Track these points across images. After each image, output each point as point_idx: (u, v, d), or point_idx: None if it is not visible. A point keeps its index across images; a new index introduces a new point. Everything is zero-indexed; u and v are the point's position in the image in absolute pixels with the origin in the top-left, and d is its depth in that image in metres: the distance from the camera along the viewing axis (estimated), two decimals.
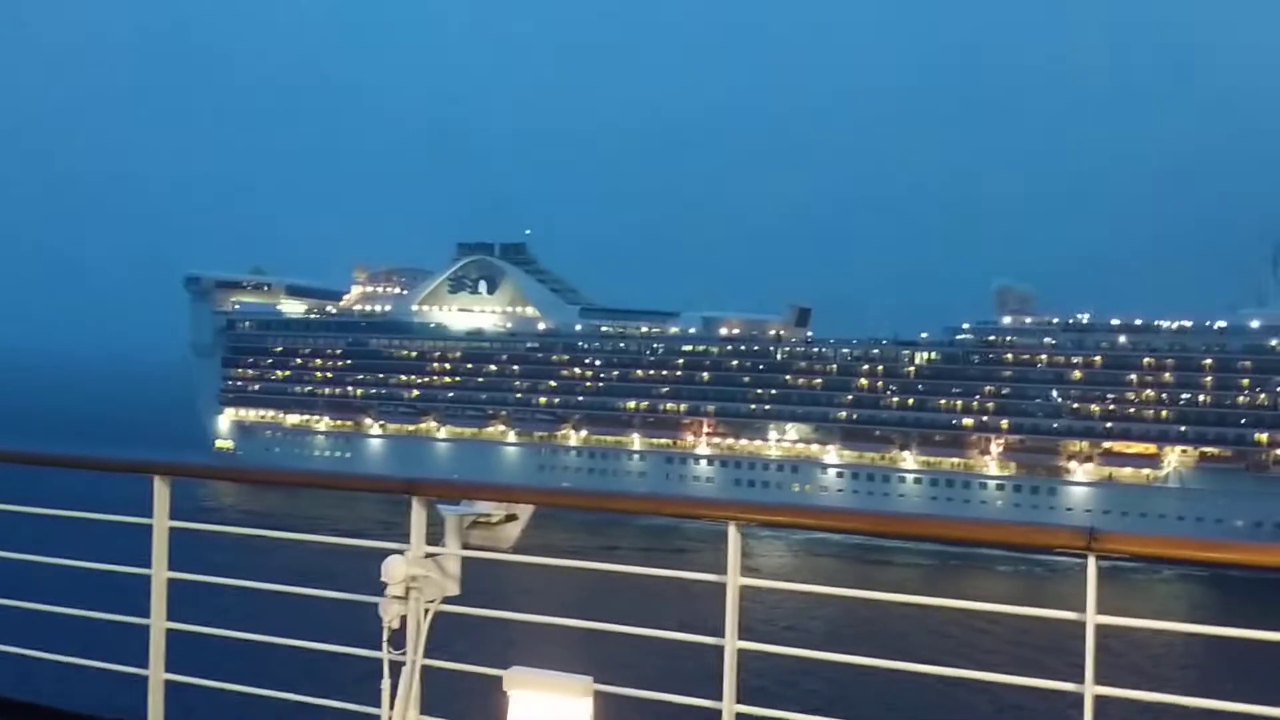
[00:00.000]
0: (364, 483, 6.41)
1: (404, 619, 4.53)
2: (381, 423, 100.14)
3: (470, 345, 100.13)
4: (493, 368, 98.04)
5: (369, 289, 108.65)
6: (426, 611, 4.56)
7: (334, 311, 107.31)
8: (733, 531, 4.12)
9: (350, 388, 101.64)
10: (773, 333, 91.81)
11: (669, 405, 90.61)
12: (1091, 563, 3.69)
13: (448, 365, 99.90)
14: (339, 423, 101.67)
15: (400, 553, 4.55)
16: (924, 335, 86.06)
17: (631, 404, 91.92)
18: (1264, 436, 72.40)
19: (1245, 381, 73.94)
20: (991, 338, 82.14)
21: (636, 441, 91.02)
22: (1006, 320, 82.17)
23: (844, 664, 4.36)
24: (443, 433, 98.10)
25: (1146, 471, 75.65)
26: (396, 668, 4.54)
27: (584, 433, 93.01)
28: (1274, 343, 73.76)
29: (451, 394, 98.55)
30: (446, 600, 4.60)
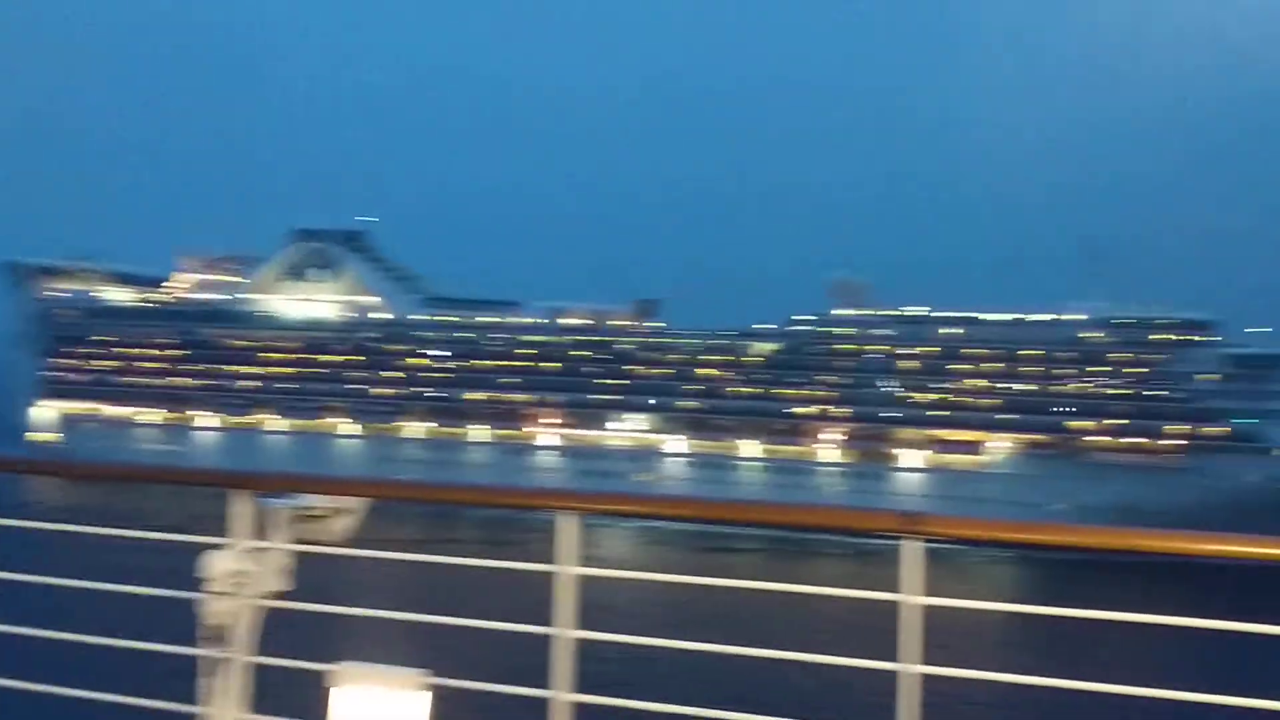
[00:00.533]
0: (188, 475, 6.23)
1: (228, 616, 4.43)
2: (213, 414, 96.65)
3: (307, 335, 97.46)
4: (330, 358, 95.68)
5: (200, 276, 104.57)
6: (252, 608, 4.46)
7: (162, 299, 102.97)
8: (570, 521, 4.15)
9: (179, 378, 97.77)
10: (617, 323, 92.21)
11: (513, 396, 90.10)
12: (911, 545, 3.79)
13: (283, 355, 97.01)
14: (168, 415, 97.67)
15: (225, 548, 4.43)
16: (764, 326, 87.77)
17: (474, 395, 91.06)
18: (1081, 423, 76.38)
19: (1065, 371, 77.84)
20: (827, 329, 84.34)
21: (479, 433, 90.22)
22: (841, 311, 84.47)
23: (678, 650, 4.52)
24: (278, 425, 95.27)
25: (973, 458, 78.91)
26: (220, 665, 4.42)
27: (426, 424, 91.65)
28: (1090, 334, 77.89)
29: (287, 385, 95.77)
30: (273, 596, 4.50)
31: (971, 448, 79.13)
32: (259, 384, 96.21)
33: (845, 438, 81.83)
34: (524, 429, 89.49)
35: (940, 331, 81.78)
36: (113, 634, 5.01)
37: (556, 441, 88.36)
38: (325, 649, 4.80)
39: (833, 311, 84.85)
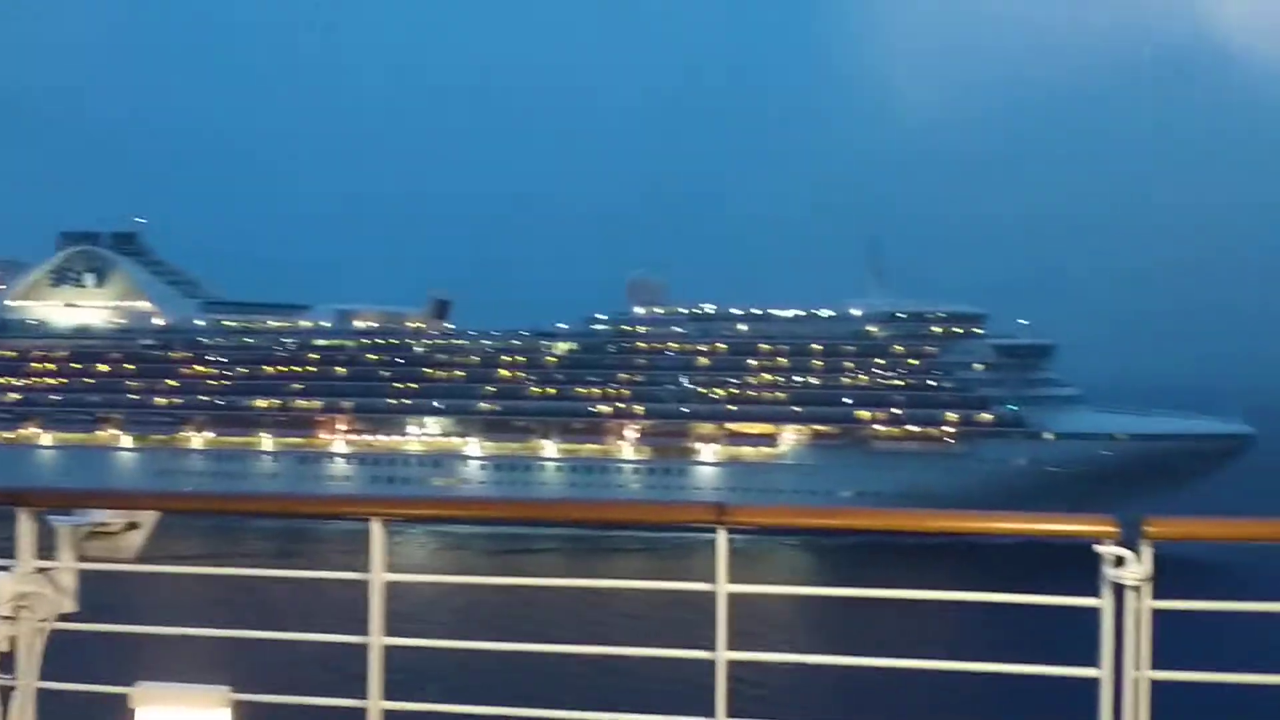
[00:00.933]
0: None
1: (14, 641, 4.14)
2: None
3: (77, 343, 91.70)
4: (103, 367, 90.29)
5: None
6: (39, 631, 4.20)
7: None
8: (377, 527, 4.09)
9: None
10: (411, 325, 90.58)
11: (302, 403, 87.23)
12: (722, 535, 3.89)
13: (51, 365, 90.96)
14: None
15: (6, 569, 4.17)
16: (562, 326, 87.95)
17: (261, 402, 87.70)
18: (866, 414, 79.81)
19: (849, 365, 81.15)
20: (625, 327, 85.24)
21: (268, 442, 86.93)
22: (639, 310, 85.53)
23: (488, 651, 4.48)
24: (48, 439, 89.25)
25: (766, 450, 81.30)
26: (6, 693, 4.14)
27: (209, 434, 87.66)
28: (871, 328, 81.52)
29: (57, 397, 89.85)
30: (62, 618, 4.25)
31: (764, 440, 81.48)
32: (25, 396, 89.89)
33: (644, 434, 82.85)
34: (316, 437, 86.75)
35: (733, 328, 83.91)
36: None
37: (350, 449, 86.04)
38: (121, 670, 4.54)
39: (630, 311, 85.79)
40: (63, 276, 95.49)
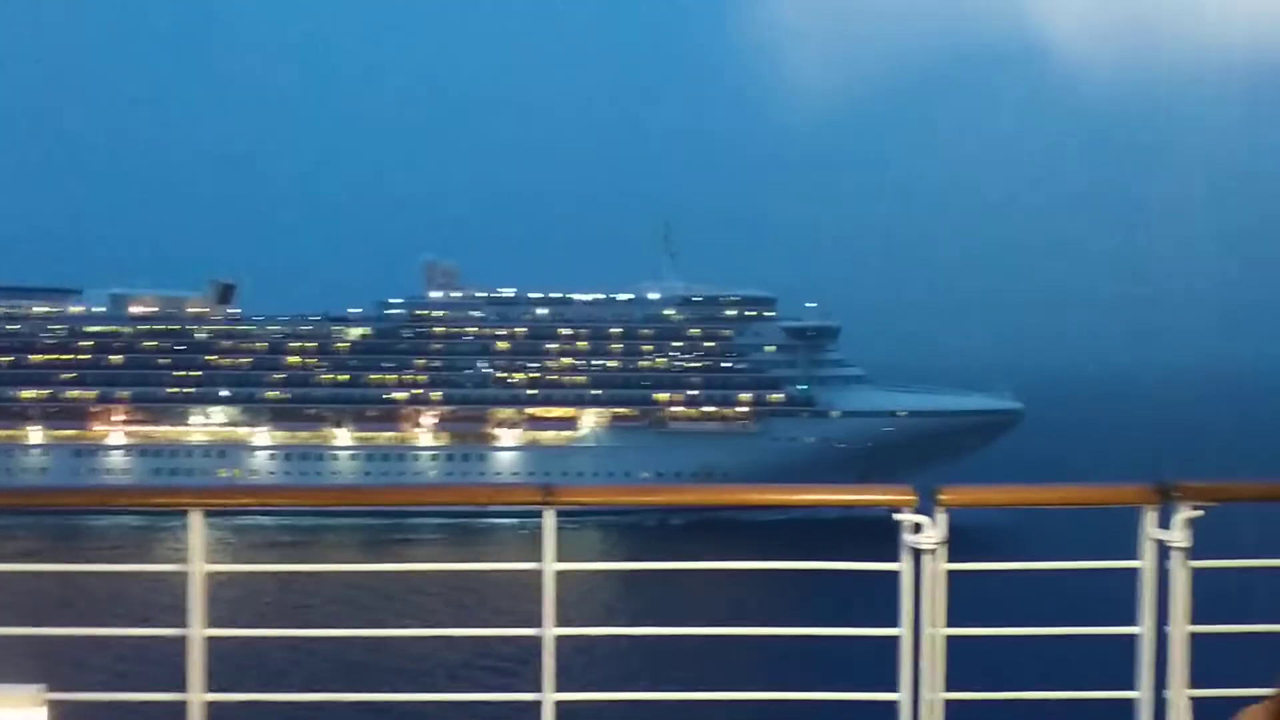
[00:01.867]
0: None
1: None
2: None
3: None
4: None
5: None
6: None
7: None
8: (196, 518, 4.07)
9: None
10: (193, 311, 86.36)
11: (74, 393, 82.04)
12: (549, 515, 4.01)
13: None
14: None
15: None
16: (355, 311, 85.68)
17: (28, 393, 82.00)
18: (664, 396, 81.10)
19: (646, 348, 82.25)
20: (421, 311, 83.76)
21: (37, 434, 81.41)
22: (435, 295, 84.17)
23: (314, 639, 4.39)
24: None
25: (567, 434, 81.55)
26: None
27: None
28: (669, 312, 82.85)
29: None
30: None
31: (564, 424, 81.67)
32: None
33: (442, 420, 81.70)
34: (90, 428, 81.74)
35: (532, 312, 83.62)
36: None
37: (128, 440, 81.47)
38: None
39: (425, 294, 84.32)
40: None
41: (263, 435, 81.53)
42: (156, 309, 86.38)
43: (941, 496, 3.84)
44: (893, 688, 3.87)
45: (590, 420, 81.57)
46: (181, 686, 4.05)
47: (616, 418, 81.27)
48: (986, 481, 4.28)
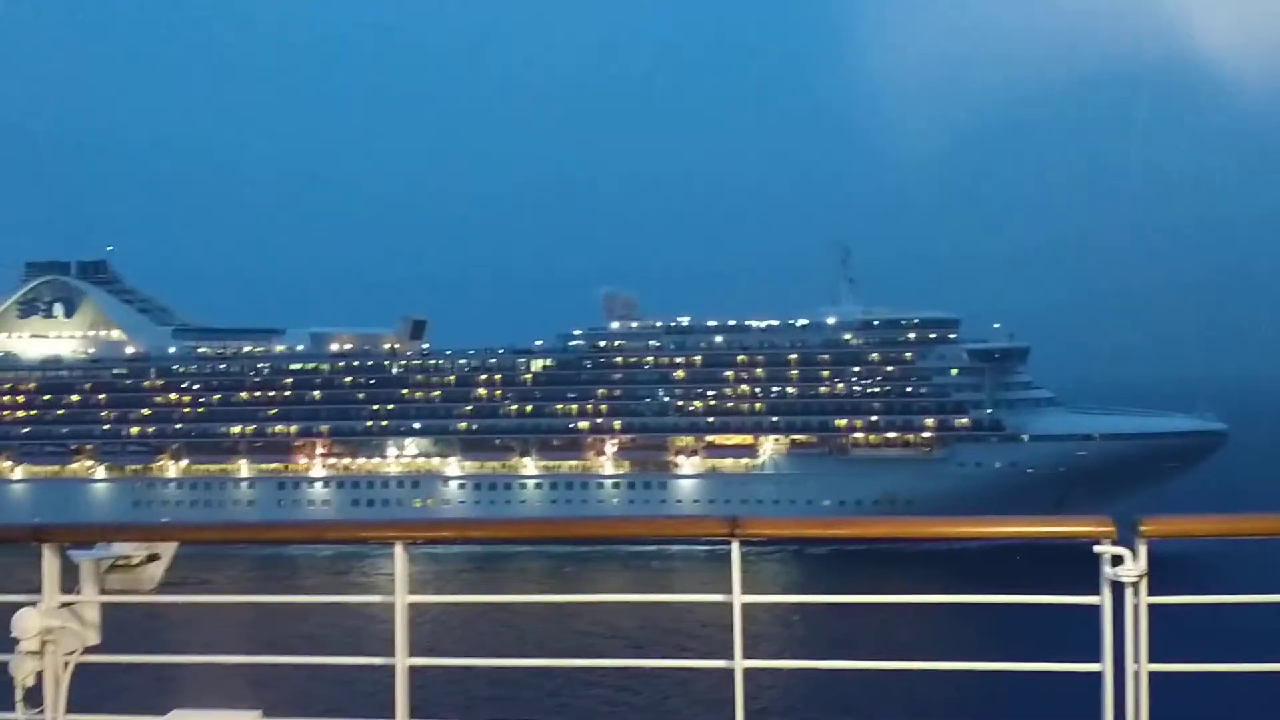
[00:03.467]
0: None
1: (40, 675, 4.19)
2: None
3: (46, 375, 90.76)
4: (74, 398, 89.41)
5: None
6: (65, 665, 4.24)
7: None
8: (399, 551, 4.19)
9: None
10: (386, 346, 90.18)
11: (278, 428, 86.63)
12: (735, 548, 4.01)
13: (20, 399, 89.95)
14: None
15: (32, 605, 4.22)
16: (538, 343, 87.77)
17: (236, 429, 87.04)
18: (843, 422, 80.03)
19: (825, 373, 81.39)
20: (601, 343, 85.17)
21: (244, 469, 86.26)
22: (614, 325, 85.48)
23: (513, 668, 4.61)
24: (18, 473, 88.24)
25: (745, 461, 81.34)
26: None
27: (184, 462, 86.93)
28: (847, 336, 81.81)
29: (26, 429, 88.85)
30: (87, 650, 4.31)
31: (744, 451, 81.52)
32: None
33: (623, 449, 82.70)
34: (293, 462, 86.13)
35: (709, 340, 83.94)
36: None
37: (328, 472, 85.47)
38: (145, 700, 4.61)
39: (605, 325, 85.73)
40: (30, 308, 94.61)
41: (453, 466, 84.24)
42: (352, 345, 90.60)
43: (1143, 527, 3.73)
44: None
45: (769, 447, 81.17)
46: (388, 713, 4.17)
47: (796, 444, 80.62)
48: (1188, 511, 4.13)
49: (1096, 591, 3.76)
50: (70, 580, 4.37)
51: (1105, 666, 3.76)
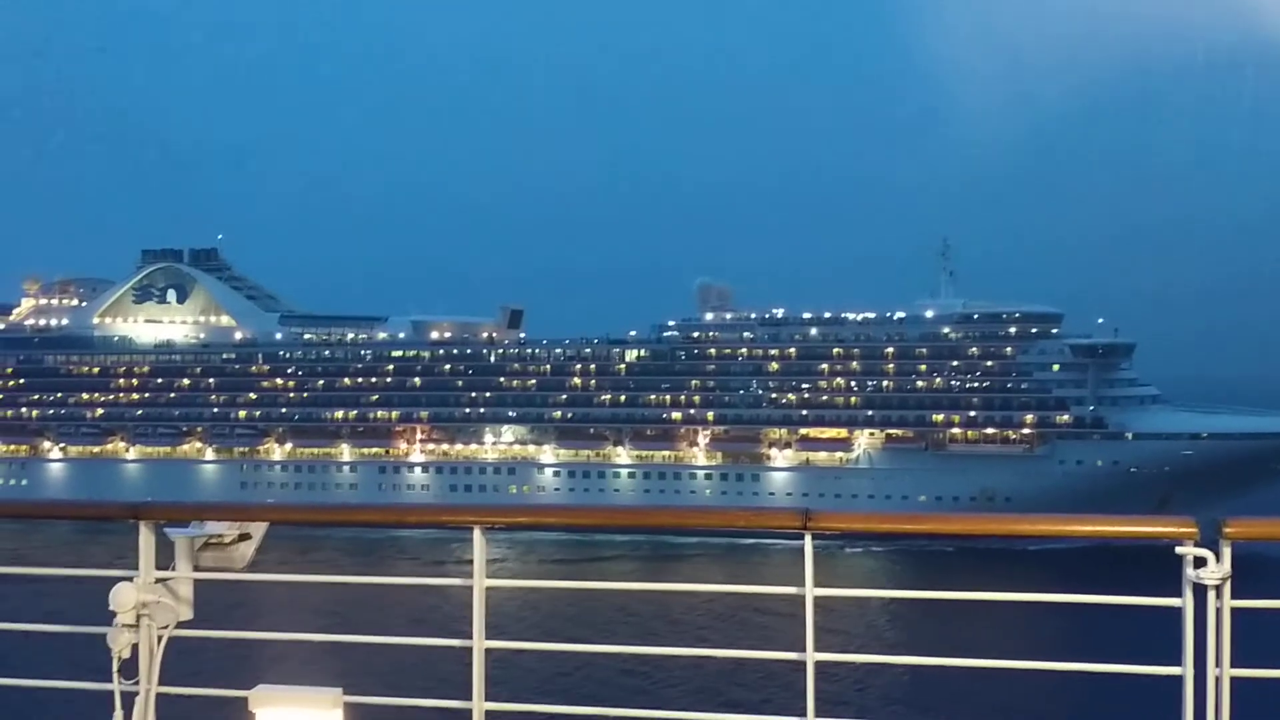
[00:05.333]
0: (85, 510, 6.17)
1: (135, 648, 4.37)
2: (62, 445, 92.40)
3: (159, 358, 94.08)
4: (185, 381, 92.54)
5: (42, 301, 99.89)
6: (159, 638, 4.42)
7: (1, 327, 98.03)
8: (478, 535, 4.26)
9: (24, 409, 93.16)
10: (485, 335, 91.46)
11: (379, 413, 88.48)
12: (808, 540, 4.02)
13: (135, 381, 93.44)
14: (12, 447, 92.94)
15: (129, 580, 4.39)
16: (632, 333, 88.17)
17: (339, 413, 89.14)
18: (940, 417, 78.80)
19: (923, 367, 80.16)
20: (695, 334, 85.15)
21: (346, 452, 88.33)
22: (708, 316, 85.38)
23: (586, 653, 4.69)
24: (132, 453, 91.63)
25: (840, 454, 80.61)
26: (129, 698, 4.36)
27: (289, 446, 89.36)
28: (946, 330, 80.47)
29: (140, 411, 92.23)
30: (180, 625, 4.47)
31: (837, 445, 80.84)
32: (109, 411, 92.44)
33: (715, 440, 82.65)
34: (394, 447, 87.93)
35: (804, 332, 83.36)
36: (19, 675, 4.89)
37: (427, 458, 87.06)
38: (236, 674, 4.76)
39: (700, 317, 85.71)
40: (145, 293, 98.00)
41: (548, 454, 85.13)
42: (452, 334, 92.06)
43: (1227, 529, 3.64)
44: None
45: (864, 441, 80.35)
46: (465, 694, 4.25)
47: (890, 439, 79.67)
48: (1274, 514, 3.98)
49: (1179, 594, 3.69)
50: (165, 557, 4.51)
51: (1186, 670, 3.70)
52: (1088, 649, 5.12)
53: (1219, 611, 3.65)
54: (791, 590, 4.15)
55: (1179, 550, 3.67)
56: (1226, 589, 3.64)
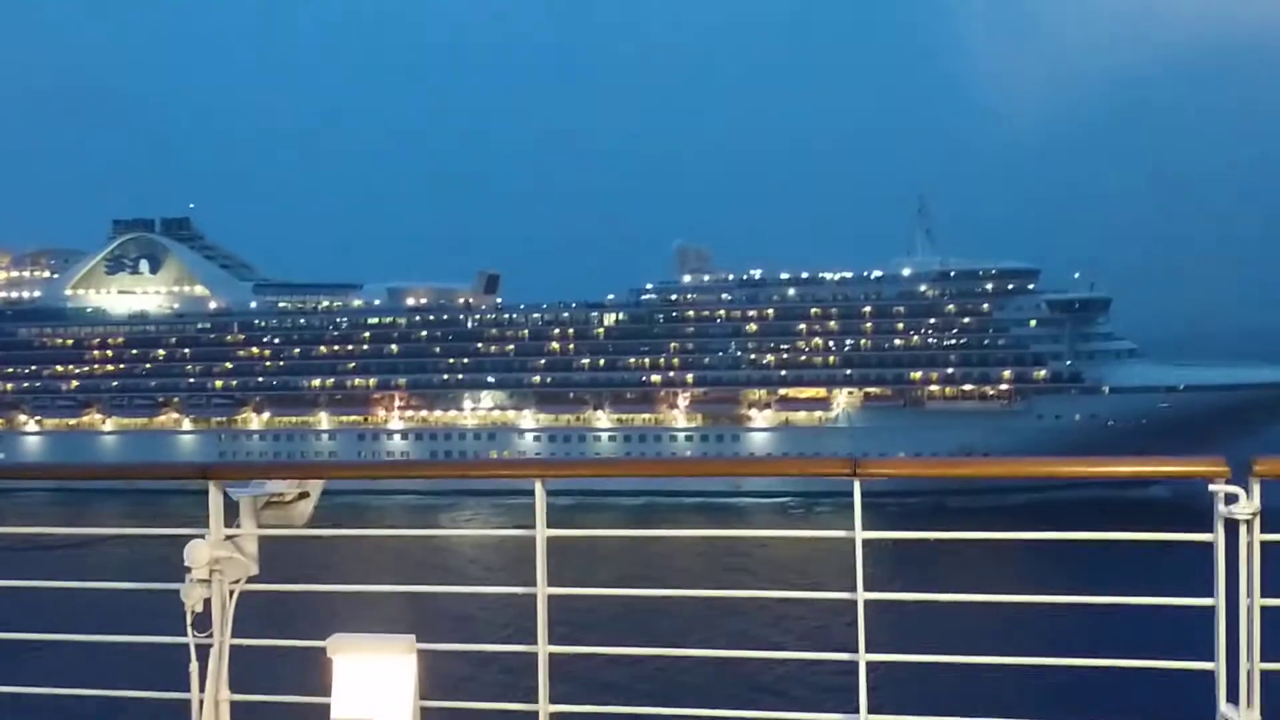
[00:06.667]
0: (157, 471, 6.33)
1: (208, 602, 4.57)
2: (38, 418, 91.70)
3: (134, 329, 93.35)
4: (160, 352, 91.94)
5: (13, 274, 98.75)
6: (231, 593, 4.65)
7: None
8: (539, 488, 4.43)
9: None
10: (462, 301, 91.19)
11: (357, 381, 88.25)
12: (856, 486, 4.25)
13: (109, 352, 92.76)
14: None
15: (201, 538, 4.63)
16: (611, 297, 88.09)
17: (316, 382, 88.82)
18: (918, 374, 79.35)
19: (900, 325, 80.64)
20: (673, 296, 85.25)
21: (324, 420, 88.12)
22: (686, 279, 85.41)
23: (642, 598, 4.87)
24: (109, 425, 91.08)
25: (819, 414, 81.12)
26: (204, 650, 4.54)
27: (266, 415, 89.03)
28: (923, 288, 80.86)
29: (116, 383, 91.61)
30: (250, 580, 4.68)
31: (817, 404, 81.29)
32: (84, 384, 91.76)
33: (695, 402, 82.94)
34: (372, 414, 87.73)
35: (782, 293, 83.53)
36: (99, 631, 5.17)
37: (406, 425, 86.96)
38: (304, 627, 4.93)
39: (677, 279, 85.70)
40: (117, 264, 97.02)
41: (528, 418, 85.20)
42: (428, 300, 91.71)
43: (1257, 467, 3.84)
44: (1208, 658, 3.91)
45: (843, 400, 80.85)
46: (530, 639, 4.44)
47: (869, 397, 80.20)
48: None
49: (1210, 530, 3.88)
50: (230, 516, 4.67)
51: (1218, 601, 3.88)
52: (1120, 586, 5.28)
53: (1250, 545, 3.84)
54: (841, 534, 4.34)
55: (1211, 488, 3.87)
56: (1257, 523, 3.83)
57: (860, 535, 4.24)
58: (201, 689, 4.52)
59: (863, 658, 4.25)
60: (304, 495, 4.77)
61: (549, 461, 4.60)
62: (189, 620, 4.49)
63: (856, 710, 4.23)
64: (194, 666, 4.50)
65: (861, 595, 4.25)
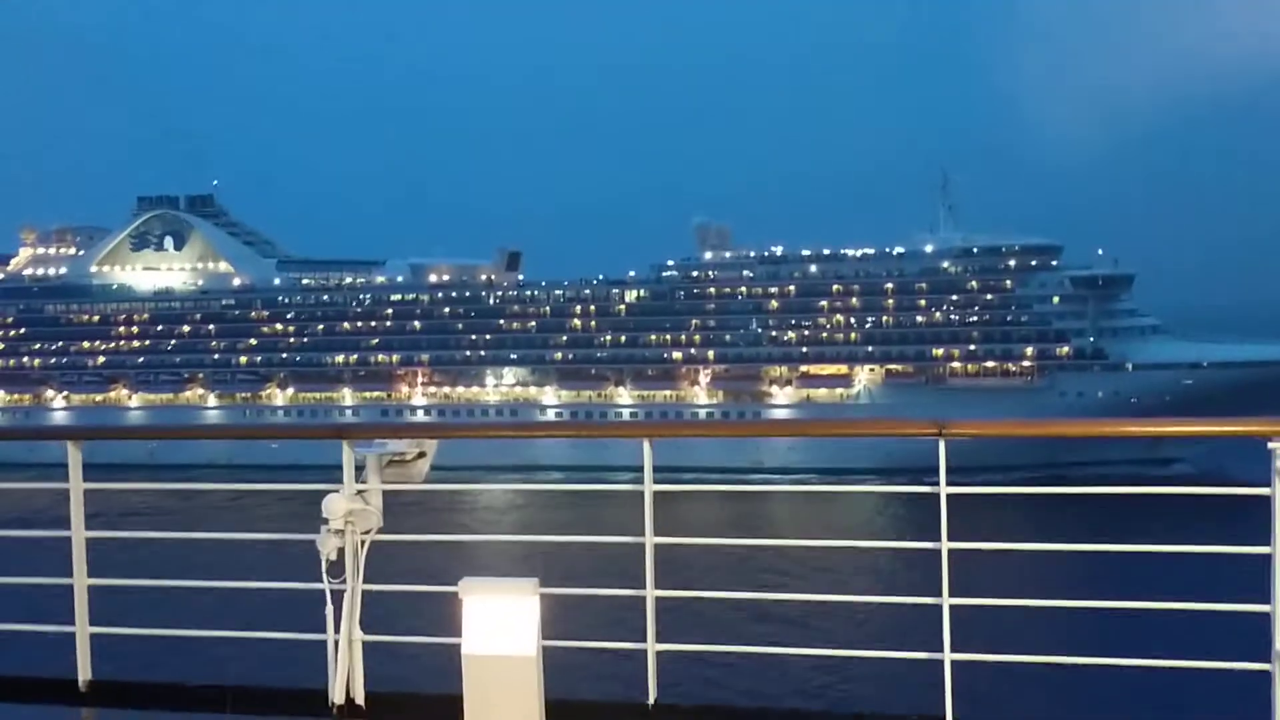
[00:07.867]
0: (298, 431, 6.56)
1: (341, 551, 4.97)
2: (65, 394, 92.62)
3: (159, 306, 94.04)
4: (185, 329, 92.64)
5: (39, 250, 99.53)
6: (362, 542, 4.99)
7: (0, 277, 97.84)
8: (646, 446, 4.79)
9: (25, 358, 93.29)
10: (484, 278, 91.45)
11: (380, 357, 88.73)
12: (942, 445, 4.47)
13: (135, 329, 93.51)
14: (14, 397, 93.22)
15: (336, 492, 5.03)
16: (632, 274, 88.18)
17: (340, 358, 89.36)
18: (940, 351, 79.28)
19: (922, 302, 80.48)
20: (694, 273, 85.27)
21: (348, 396, 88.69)
22: (707, 255, 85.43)
23: (739, 547, 5.35)
24: (135, 400, 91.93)
25: (840, 391, 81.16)
26: (338, 595, 4.94)
27: (290, 390, 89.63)
28: (945, 265, 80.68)
29: (141, 359, 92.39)
30: (379, 530, 5.07)
31: (838, 381, 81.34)
32: (110, 360, 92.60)
33: (716, 379, 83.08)
34: (395, 390, 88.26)
35: (803, 270, 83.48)
36: (242, 577, 5.57)
37: (428, 400, 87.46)
38: (432, 574, 5.37)
39: (698, 256, 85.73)
40: (142, 241, 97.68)
41: (550, 395, 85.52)
42: (450, 276, 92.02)
43: None
44: (1265, 600, 4.17)
45: (864, 377, 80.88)
46: (639, 584, 4.82)
47: (891, 374, 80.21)
48: None
49: (1267, 484, 4.12)
50: (362, 471, 5.06)
51: (1275, 548, 4.11)
52: (1177, 538, 5.56)
53: None
54: (926, 489, 4.66)
55: (1270, 445, 4.10)
56: None
57: (945, 490, 4.54)
58: (336, 630, 4.85)
59: (946, 601, 4.58)
60: (422, 454, 5.13)
61: (655, 423, 4.93)
62: (324, 568, 4.86)
63: (941, 649, 4.57)
64: (329, 610, 4.85)
65: (945, 545, 4.56)
